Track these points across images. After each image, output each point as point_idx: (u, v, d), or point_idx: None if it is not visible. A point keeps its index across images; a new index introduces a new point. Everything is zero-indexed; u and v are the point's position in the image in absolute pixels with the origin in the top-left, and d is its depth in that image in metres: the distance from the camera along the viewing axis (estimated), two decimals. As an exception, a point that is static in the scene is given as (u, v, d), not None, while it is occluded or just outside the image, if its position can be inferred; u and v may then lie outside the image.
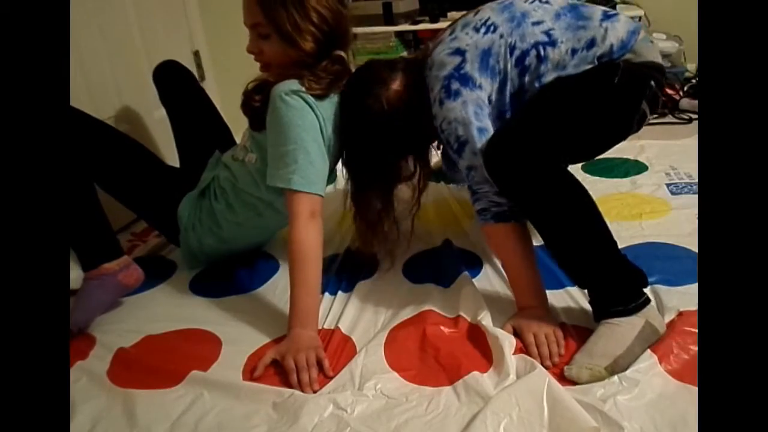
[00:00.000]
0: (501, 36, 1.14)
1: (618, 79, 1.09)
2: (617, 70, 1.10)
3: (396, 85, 1.18)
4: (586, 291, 1.15)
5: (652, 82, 1.13)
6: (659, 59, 1.16)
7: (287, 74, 1.20)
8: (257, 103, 1.23)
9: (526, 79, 1.14)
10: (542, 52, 1.13)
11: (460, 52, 1.14)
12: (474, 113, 1.12)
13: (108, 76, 1.75)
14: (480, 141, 1.11)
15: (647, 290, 1.09)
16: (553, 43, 1.12)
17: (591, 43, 1.12)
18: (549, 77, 1.13)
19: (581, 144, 1.16)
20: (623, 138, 1.20)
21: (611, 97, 1.12)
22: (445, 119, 1.14)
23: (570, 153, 1.18)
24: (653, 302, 1.09)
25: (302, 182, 1.15)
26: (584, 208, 1.06)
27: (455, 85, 1.13)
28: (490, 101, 1.16)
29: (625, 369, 0.98)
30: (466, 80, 1.13)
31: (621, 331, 1.03)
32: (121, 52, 1.80)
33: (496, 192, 1.13)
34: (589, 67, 1.12)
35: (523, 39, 1.13)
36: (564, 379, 1.00)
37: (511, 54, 1.13)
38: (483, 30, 1.15)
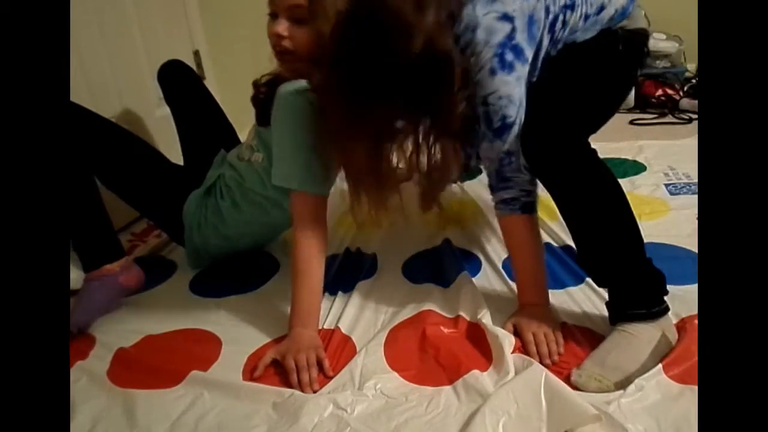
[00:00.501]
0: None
1: (621, 47, 1.12)
2: (619, 39, 1.12)
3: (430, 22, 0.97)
4: (601, 291, 1.14)
5: (645, 49, 1.20)
6: (645, 25, 1.19)
7: (303, 69, 1.16)
8: (263, 95, 1.22)
9: (551, 46, 1.10)
10: (566, 17, 1.08)
11: (508, 18, 1.02)
12: (524, 93, 1.06)
13: (108, 76, 1.75)
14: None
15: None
16: (573, 6, 1.08)
17: (600, 8, 1.11)
18: (561, 44, 1.11)
19: (599, 113, 1.18)
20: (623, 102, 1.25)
21: (618, 65, 1.15)
22: (496, 92, 1.04)
23: (592, 124, 1.17)
24: (671, 311, 1.07)
25: (306, 182, 1.15)
26: (618, 199, 1.05)
27: (509, 56, 1.02)
28: None
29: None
30: (519, 52, 1.03)
31: (637, 344, 1.00)
32: (121, 52, 1.80)
33: (530, 179, 1.11)
34: (593, 33, 1.12)
35: (555, 1, 1.07)
36: (569, 382, 0.99)
37: (546, 18, 1.07)
38: None
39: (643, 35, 1.18)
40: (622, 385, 0.96)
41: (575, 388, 0.97)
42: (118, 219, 1.61)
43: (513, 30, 1.02)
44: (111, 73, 1.76)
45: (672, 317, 1.12)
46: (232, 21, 2.34)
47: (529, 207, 1.14)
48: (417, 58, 0.95)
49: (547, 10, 1.06)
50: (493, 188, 1.16)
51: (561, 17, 1.08)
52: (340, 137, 1.07)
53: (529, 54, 1.06)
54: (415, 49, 0.94)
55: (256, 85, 1.25)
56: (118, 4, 1.80)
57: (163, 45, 1.98)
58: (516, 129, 1.06)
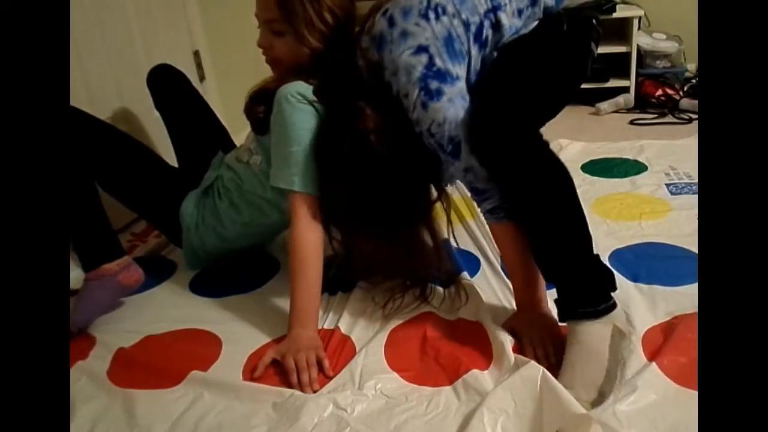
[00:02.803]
0: (453, 15, 1.07)
1: (566, 27, 1.13)
2: (562, 20, 1.13)
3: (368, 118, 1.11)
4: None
5: (594, 21, 1.19)
6: None
7: (291, 77, 1.19)
8: (261, 114, 1.23)
9: (487, 51, 1.11)
10: (494, 20, 1.09)
11: (423, 48, 1.06)
12: (462, 108, 1.07)
13: (108, 76, 1.75)
14: None
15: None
16: (498, 7, 1.09)
17: (533, 1, 1.11)
18: (500, 44, 1.11)
19: (551, 100, 1.18)
20: (582, 82, 1.24)
21: (565, 46, 1.15)
22: (434, 122, 1.07)
23: (544, 112, 1.17)
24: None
25: (304, 184, 1.15)
26: (568, 194, 1.05)
27: (434, 84, 1.06)
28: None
29: (608, 396, 0.95)
30: (443, 76, 1.06)
31: (594, 349, 1.00)
32: (121, 52, 1.80)
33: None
34: (535, 22, 1.12)
35: (473, 12, 1.08)
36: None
37: (468, 31, 1.08)
38: (432, 15, 1.07)
39: (589, 8, 1.19)
40: (597, 401, 0.95)
41: None
42: (118, 219, 1.61)
43: (430, 58, 1.06)
44: (110, 73, 1.76)
45: (668, 316, 1.12)
46: (232, 21, 2.34)
47: (514, 214, 1.12)
48: None
49: (466, 24, 1.08)
50: (475, 200, 1.16)
51: (487, 23, 1.09)
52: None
53: (459, 70, 1.08)
54: None
55: (248, 101, 1.26)
56: (117, 4, 1.80)
57: (162, 45, 1.97)
58: (464, 144, 1.07)
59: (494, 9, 1.08)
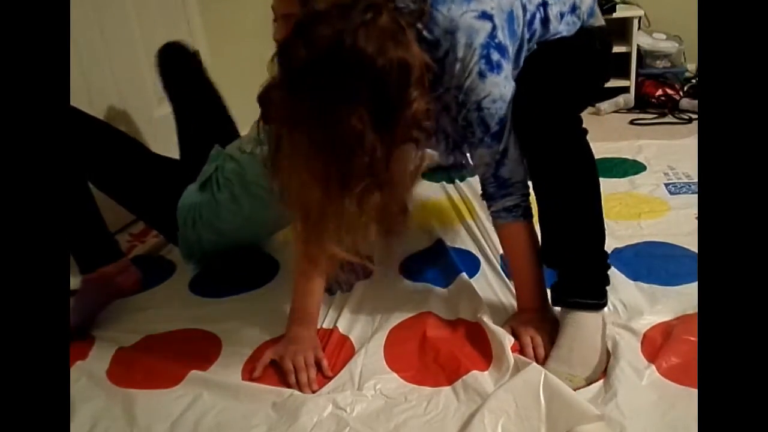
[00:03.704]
0: None
1: (599, 45, 1.19)
2: (595, 37, 1.17)
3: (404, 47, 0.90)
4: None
5: (611, 46, 1.32)
6: (603, 22, 1.24)
7: None
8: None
9: (531, 44, 1.09)
10: (543, 15, 1.07)
11: (487, 16, 0.99)
12: (512, 89, 1.03)
13: (108, 76, 1.75)
14: None
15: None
16: (547, 4, 1.07)
17: (573, 8, 1.12)
18: (542, 40, 1.10)
19: (584, 97, 1.24)
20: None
21: (596, 59, 1.20)
22: (489, 95, 1.01)
23: (583, 104, 1.22)
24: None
25: None
26: (595, 185, 1.05)
27: (495, 56, 0.99)
28: None
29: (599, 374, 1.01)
30: (503, 50, 1.01)
31: (590, 333, 1.04)
32: (121, 51, 1.80)
33: (526, 180, 1.09)
34: (572, 30, 1.12)
35: (530, 0, 1.05)
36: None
37: (524, 15, 1.05)
38: None
39: (607, 32, 1.24)
40: (590, 379, 0.99)
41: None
42: (117, 219, 1.61)
43: (494, 28, 0.99)
44: (110, 72, 1.76)
45: (667, 315, 1.13)
46: (232, 21, 2.34)
47: (530, 212, 1.12)
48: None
49: (524, 8, 1.05)
50: (491, 197, 1.11)
51: (538, 15, 1.07)
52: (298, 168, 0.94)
53: (512, 52, 1.05)
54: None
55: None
56: (117, 4, 1.80)
57: (162, 45, 1.97)
58: (509, 124, 1.03)
59: (544, 4, 1.07)
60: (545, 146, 1.03)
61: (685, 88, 2.65)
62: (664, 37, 2.74)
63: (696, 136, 0.69)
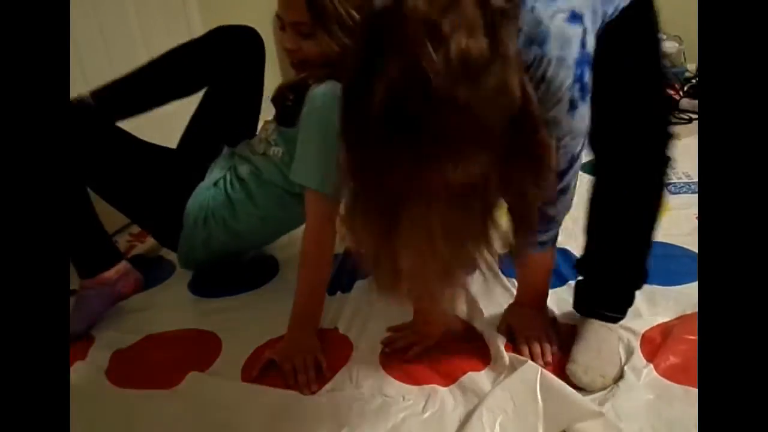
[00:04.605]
0: None
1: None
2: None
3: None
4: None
5: None
6: None
7: (324, 74, 1.14)
8: (290, 102, 1.20)
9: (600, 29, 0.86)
10: (607, 19, 0.84)
11: (577, 17, 0.75)
12: None
13: (108, 76, 1.75)
14: None
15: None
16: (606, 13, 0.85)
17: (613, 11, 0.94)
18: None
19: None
20: None
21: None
22: (572, 132, 0.80)
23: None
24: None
25: (327, 185, 1.13)
26: (660, 209, 1.03)
27: (587, 76, 0.78)
28: None
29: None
30: (590, 63, 0.78)
31: (609, 339, 1.05)
32: (121, 51, 1.80)
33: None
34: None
35: (606, 1, 0.82)
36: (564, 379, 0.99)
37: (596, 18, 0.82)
38: None
39: None
40: (616, 379, 0.99)
41: (575, 385, 0.97)
42: (116, 220, 1.61)
43: (584, 32, 0.76)
44: (110, 72, 1.75)
45: (667, 316, 1.14)
46: (232, 21, 2.34)
47: (557, 239, 1.03)
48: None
49: (604, 12, 0.84)
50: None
51: (608, 18, 0.85)
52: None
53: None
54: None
55: (282, 88, 1.23)
56: (117, 4, 1.80)
57: (163, 45, 1.97)
58: (579, 162, 0.88)
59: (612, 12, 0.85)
60: (626, 169, 0.98)
61: (685, 88, 2.65)
62: (664, 37, 2.74)
63: (696, 136, 0.69)
